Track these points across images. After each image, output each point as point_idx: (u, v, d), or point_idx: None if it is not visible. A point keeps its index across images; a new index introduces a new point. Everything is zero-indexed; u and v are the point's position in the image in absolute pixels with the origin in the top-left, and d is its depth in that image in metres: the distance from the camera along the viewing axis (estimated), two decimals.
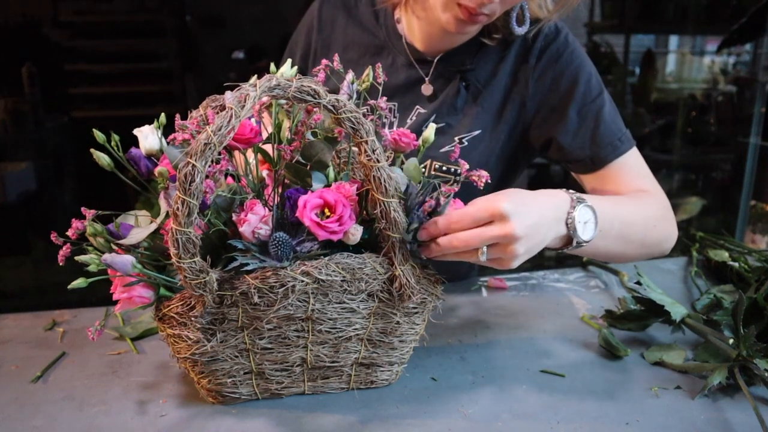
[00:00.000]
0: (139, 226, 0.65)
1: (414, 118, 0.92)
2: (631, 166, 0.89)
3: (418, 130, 0.87)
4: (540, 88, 0.89)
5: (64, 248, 0.63)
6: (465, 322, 0.90)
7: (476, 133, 0.90)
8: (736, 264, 1.02)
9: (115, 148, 0.67)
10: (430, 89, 0.92)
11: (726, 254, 1.06)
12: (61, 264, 0.63)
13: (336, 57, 0.70)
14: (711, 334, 0.78)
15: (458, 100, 0.91)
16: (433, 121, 0.90)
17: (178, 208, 0.53)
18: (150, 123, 0.67)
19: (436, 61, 0.92)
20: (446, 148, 0.90)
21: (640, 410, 0.68)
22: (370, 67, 0.70)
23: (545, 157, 0.94)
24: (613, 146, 0.88)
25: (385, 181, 0.59)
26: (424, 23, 0.90)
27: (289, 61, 0.69)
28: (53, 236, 0.63)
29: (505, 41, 0.91)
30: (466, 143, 0.90)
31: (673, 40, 3.03)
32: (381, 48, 0.95)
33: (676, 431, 0.65)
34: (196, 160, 0.52)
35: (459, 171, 0.81)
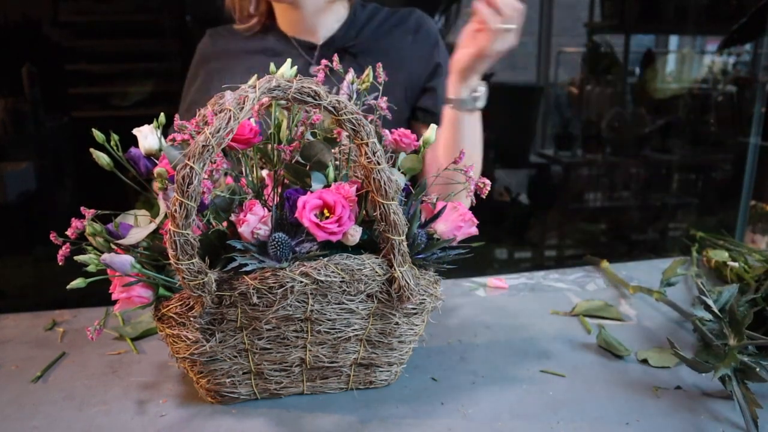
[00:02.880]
0: (138, 226, 0.65)
1: None
2: None
3: None
4: (417, 52, 1.05)
5: (63, 248, 0.63)
6: (465, 322, 0.90)
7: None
8: (736, 264, 1.02)
9: (115, 148, 0.67)
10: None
11: (726, 254, 1.06)
12: (60, 264, 0.63)
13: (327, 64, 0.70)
14: (710, 331, 0.78)
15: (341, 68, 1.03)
16: None
17: (175, 210, 0.53)
18: (150, 123, 0.67)
19: (319, 45, 1.04)
20: None
21: (640, 410, 0.68)
22: (370, 67, 0.70)
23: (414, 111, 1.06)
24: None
25: (385, 183, 0.58)
26: (286, 12, 1.03)
27: (289, 61, 0.69)
28: (52, 236, 0.63)
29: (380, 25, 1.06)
30: None
31: (673, 40, 3.03)
32: (278, 52, 1.05)
33: (676, 431, 0.65)
34: (194, 163, 0.52)
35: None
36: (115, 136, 0.67)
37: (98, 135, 0.66)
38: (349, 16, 1.06)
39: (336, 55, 0.71)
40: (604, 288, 1.04)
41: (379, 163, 0.58)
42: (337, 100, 0.57)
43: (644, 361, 0.78)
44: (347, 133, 0.59)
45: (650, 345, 0.82)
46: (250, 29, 1.07)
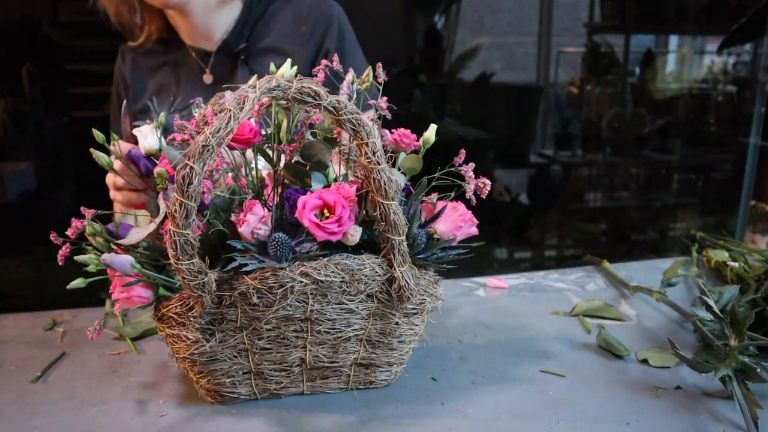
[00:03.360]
0: (138, 226, 0.65)
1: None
2: None
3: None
4: (308, 40, 1.01)
5: (63, 248, 0.63)
6: (465, 322, 0.90)
7: None
8: (736, 264, 1.02)
9: None
10: (211, 78, 1.02)
11: (726, 254, 1.06)
12: (60, 264, 0.63)
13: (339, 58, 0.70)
14: (710, 332, 0.78)
15: (235, 76, 1.00)
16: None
17: (175, 210, 0.53)
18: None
19: (214, 52, 1.01)
20: None
21: (640, 410, 0.68)
22: (369, 67, 0.70)
23: None
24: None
25: (385, 183, 0.58)
26: (177, 19, 1.01)
27: (289, 61, 0.69)
28: (52, 236, 0.63)
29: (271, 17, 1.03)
30: None
31: (673, 40, 3.03)
32: (179, 63, 1.05)
33: (676, 431, 0.65)
34: (194, 163, 0.52)
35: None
36: (115, 136, 0.67)
37: (98, 135, 0.66)
38: (242, 16, 1.01)
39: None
40: (604, 288, 1.04)
41: (379, 163, 0.58)
42: (337, 100, 0.57)
43: (644, 361, 0.78)
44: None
45: (650, 345, 0.82)
46: (142, 45, 1.05)
